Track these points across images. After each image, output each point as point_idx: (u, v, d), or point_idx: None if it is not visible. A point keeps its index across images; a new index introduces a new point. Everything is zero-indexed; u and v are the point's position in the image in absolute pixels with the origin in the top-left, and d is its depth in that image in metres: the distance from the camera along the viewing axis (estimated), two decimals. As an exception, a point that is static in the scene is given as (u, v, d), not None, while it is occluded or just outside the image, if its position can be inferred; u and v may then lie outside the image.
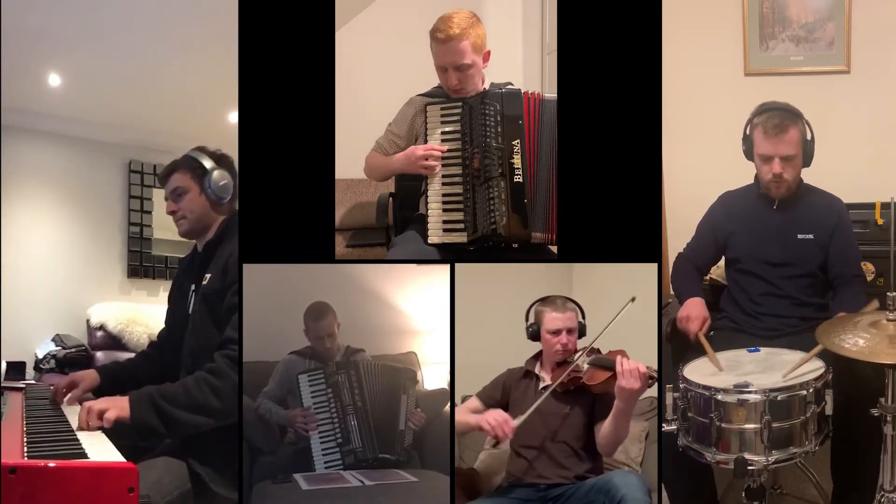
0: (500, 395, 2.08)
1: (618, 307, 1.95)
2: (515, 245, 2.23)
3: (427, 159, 2.22)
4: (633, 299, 1.94)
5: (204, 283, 2.13)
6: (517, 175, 2.19)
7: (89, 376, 2.27)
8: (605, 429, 1.92)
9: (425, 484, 2.07)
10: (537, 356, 2.08)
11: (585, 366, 1.96)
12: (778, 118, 2.38)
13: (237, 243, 2.09)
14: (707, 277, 2.89)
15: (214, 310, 2.08)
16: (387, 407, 2.17)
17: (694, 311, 2.42)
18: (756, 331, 2.44)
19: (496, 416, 1.95)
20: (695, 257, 2.65)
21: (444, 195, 2.24)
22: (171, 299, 2.37)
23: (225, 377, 1.93)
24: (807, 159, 2.44)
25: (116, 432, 1.80)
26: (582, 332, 2.04)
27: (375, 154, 2.37)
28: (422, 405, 2.22)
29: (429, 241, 2.23)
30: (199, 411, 1.90)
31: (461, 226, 2.22)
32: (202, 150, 2.31)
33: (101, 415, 1.83)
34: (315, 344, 2.19)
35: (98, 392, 2.30)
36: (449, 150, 2.24)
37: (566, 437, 1.98)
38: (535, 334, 2.06)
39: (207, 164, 2.25)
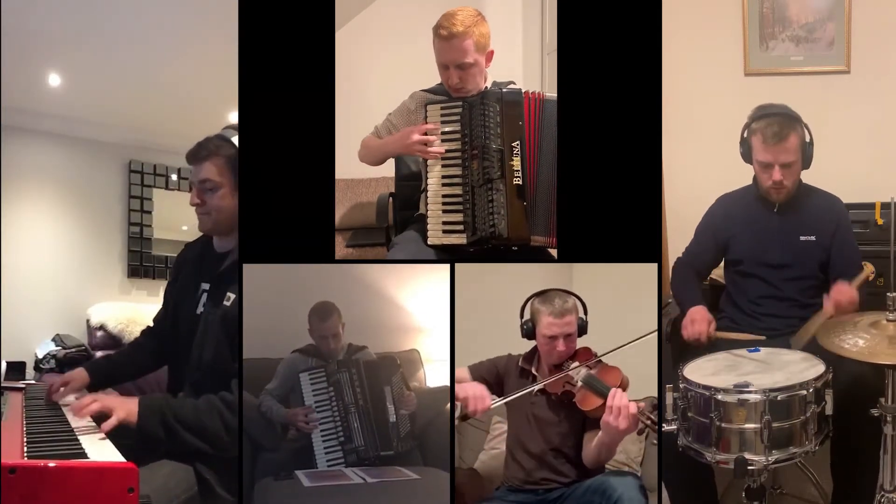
0: (494, 377, 2.04)
1: (618, 307, 1.95)
2: (515, 248, 2.22)
3: (424, 143, 2.19)
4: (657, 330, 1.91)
5: (226, 303, 2.06)
6: (517, 177, 2.19)
7: (79, 376, 2.27)
8: (590, 449, 1.90)
9: (427, 481, 2.07)
10: (533, 354, 2.03)
11: (580, 382, 1.91)
12: (777, 126, 2.36)
13: None
14: (708, 278, 2.88)
15: (234, 336, 2.00)
16: (379, 402, 2.17)
17: (697, 315, 2.40)
18: (756, 330, 2.44)
19: (475, 390, 1.91)
20: (694, 261, 2.63)
21: (443, 196, 2.24)
22: (174, 286, 2.30)
23: (237, 411, 1.92)
24: (806, 162, 2.43)
25: (118, 430, 1.80)
26: (582, 330, 1.98)
27: (371, 137, 2.36)
28: (424, 402, 2.21)
29: (428, 243, 2.22)
30: (205, 438, 1.90)
31: (460, 227, 2.21)
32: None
33: (107, 411, 1.82)
34: (319, 343, 2.18)
35: (90, 389, 2.29)
36: (449, 151, 2.23)
37: (562, 445, 1.96)
38: (529, 333, 1.99)
39: None
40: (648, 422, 1.82)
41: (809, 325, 2.23)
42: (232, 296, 2.06)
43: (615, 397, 1.81)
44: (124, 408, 1.85)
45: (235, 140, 2.11)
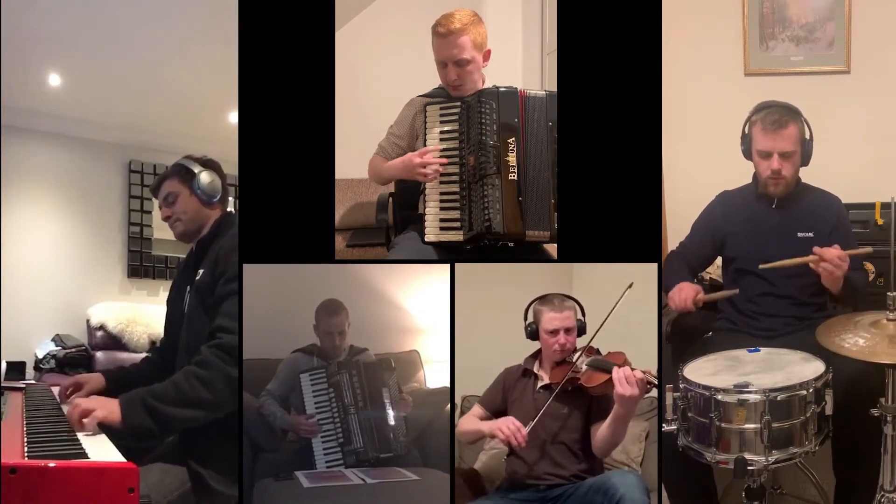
0: (501, 397, 2.08)
1: (618, 307, 1.95)
2: (511, 244, 2.22)
3: (424, 167, 2.22)
4: (630, 285, 1.94)
5: (197, 278, 2.14)
6: (512, 173, 2.19)
7: (95, 379, 2.29)
8: (602, 432, 1.92)
9: (426, 482, 2.07)
10: (536, 355, 2.08)
11: (584, 367, 1.96)
12: (777, 114, 2.39)
13: (230, 238, 2.10)
14: (707, 277, 2.88)
15: (207, 303, 2.08)
16: (377, 404, 2.18)
17: (684, 284, 2.42)
18: (754, 331, 2.44)
19: (509, 425, 1.94)
20: (688, 255, 2.63)
21: (441, 194, 2.24)
22: (169, 302, 2.38)
23: (213, 368, 1.90)
24: (805, 158, 2.44)
25: (111, 433, 1.79)
26: (581, 330, 2.03)
27: (377, 158, 2.38)
28: (424, 403, 2.22)
29: (425, 240, 2.23)
30: (191, 405, 1.88)
31: (457, 224, 2.22)
32: (189, 157, 2.39)
33: (86, 414, 1.80)
34: (324, 340, 2.20)
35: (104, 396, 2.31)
36: (447, 149, 2.24)
37: (565, 438, 1.98)
38: (533, 334, 2.06)
39: (195, 168, 2.33)
40: (650, 384, 1.85)
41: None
42: (202, 270, 2.14)
43: (619, 369, 1.85)
44: (105, 407, 1.83)
45: (183, 161, 2.37)
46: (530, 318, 2.06)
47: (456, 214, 2.22)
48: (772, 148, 2.40)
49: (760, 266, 2.37)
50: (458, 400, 2.16)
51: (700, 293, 2.41)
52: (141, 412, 1.85)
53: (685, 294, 2.38)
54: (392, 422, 2.17)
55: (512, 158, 2.19)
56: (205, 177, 2.30)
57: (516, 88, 2.26)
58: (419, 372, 2.30)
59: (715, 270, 2.83)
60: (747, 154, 2.49)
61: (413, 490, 2.05)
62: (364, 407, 2.16)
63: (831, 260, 2.26)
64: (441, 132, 2.25)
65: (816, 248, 2.28)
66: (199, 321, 2.09)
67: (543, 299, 2.04)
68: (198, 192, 2.30)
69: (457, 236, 2.22)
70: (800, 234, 2.46)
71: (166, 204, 2.34)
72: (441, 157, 2.23)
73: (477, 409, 2.09)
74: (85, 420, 1.80)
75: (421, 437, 2.21)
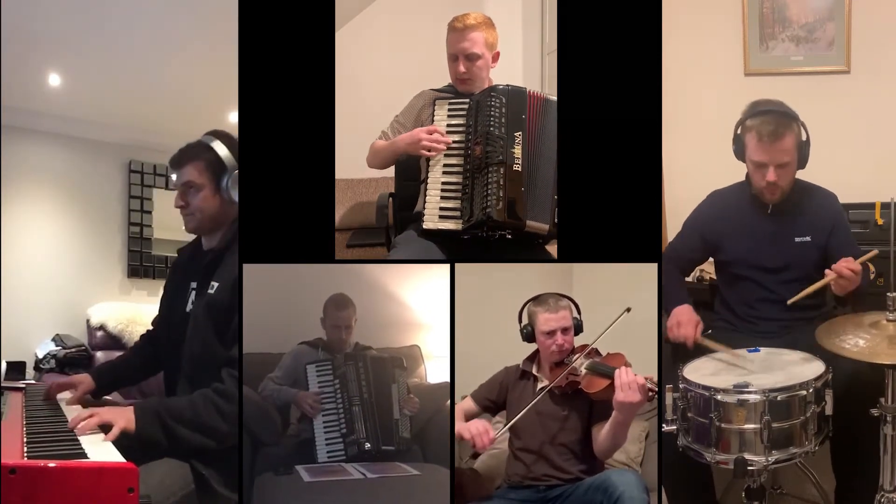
0: (497, 394, 2.07)
1: (618, 307, 1.95)
2: (509, 235, 2.20)
3: (429, 147, 2.22)
4: (628, 310, 1.93)
5: (210, 291, 2.07)
6: (517, 164, 2.19)
7: (85, 381, 2.29)
8: (602, 435, 1.92)
9: (427, 477, 2.07)
10: (534, 356, 2.07)
11: (583, 370, 1.94)
12: (773, 124, 2.31)
13: None
14: (708, 277, 2.87)
15: (220, 323, 2.03)
16: (383, 398, 2.19)
17: (683, 317, 2.36)
18: (753, 334, 2.43)
19: (476, 426, 1.94)
20: (678, 258, 2.58)
21: (443, 183, 2.24)
22: (168, 290, 2.33)
23: (234, 401, 1.91)
24: (802, 161, 2.38)
25: (118, 439, 1.80)
26: (578, 329, 2.02)
27: (379, 141, 2.38)
28: (425, 399, 2.22)
29: (424, 227, 2.22)
30: (205, 433, 1.89)
31: (457, 213, 2.22)
32: (221, 137, 2.18)
33: (106, 427, 1.79)
34: (331, 333, 2.21)
35: (94, 395, 2.31)
36: (453, 143, 2.25)
37: (565, 439, 1.97)
38: (529, 335, 2.05)
39: (226, 157, 2.13)
40: (651, 392, 1.84)
41: (809, 289, 2.24)
42: (216, 284, 2.07)
43: (622, 375, 1.83)
44: (123, 417, 1.83)
45: (215, 145, 2.16)
46: (525, 320, 2.06)
47: (457, 204, 2.22)
48: (768, 160, 2.33)
49: (788, 302, 2.29)
50: (457, 399, 2.15)
51: (700, 327, 2.36)
52: (155, 426, 1.86)
53: (685, 332, 2.33)
54: (396, 416, 2.17)
55: (518, 150, 2.19)
56: (238, 177, 2.07)
57: (525, 88, 2.27)
58: (420, 367, 2.31)
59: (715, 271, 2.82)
60: (739, 155, 2.43)
61: (413, 485, 2.05)
62: (370, 398, 2.16)
63: (848, 276, 2.20)
64: (448, 125, 2.26)
65: (834, 267, 2.23)
66: (207, 337, 2.04)
67: (538, 300, 2.04)
68: (223, 193, 2.13)
69: (455, 225, 2.21)
70: (797, 239, 2.43)
71: (184, 191, 2.14)
72: (447, 148, 2.24)
73: (468, 403, 2.08)
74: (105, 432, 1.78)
75: (422, 433, 2.21)
